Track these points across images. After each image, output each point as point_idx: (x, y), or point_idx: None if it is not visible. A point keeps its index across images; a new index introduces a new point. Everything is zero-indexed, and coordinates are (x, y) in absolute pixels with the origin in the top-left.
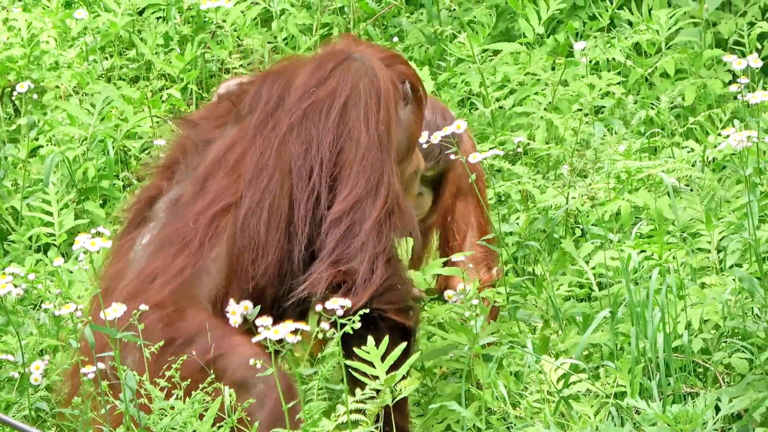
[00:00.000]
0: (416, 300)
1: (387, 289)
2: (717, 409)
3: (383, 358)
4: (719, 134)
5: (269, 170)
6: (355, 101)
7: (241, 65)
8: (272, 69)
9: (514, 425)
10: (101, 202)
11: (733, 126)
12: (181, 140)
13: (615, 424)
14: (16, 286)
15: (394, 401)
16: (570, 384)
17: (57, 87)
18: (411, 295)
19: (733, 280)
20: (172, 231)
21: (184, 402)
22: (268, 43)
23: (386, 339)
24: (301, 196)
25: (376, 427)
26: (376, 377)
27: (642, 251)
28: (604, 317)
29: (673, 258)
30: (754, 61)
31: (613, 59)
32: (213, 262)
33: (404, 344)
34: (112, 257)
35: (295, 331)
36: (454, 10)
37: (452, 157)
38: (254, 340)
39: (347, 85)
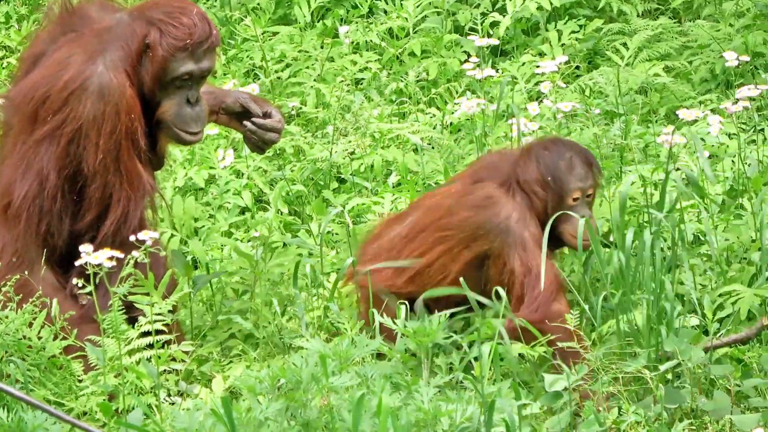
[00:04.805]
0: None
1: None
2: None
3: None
4: (455, 103)
5: (28, 179)
6: (80, 134)
7: None
8: (58, 40)
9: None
10: None
11: (466, 96)
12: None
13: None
14: None
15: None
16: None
17: None
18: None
19: None
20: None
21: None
22: None
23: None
24: (48, 204)
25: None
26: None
27: (396, 198)
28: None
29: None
30: (488, 42)
31: (371, 41)
32: (24, 238)
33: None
34: None
35: (111, 258)
36: None
37: None
38: (77, 263)
39: (76, 115)
